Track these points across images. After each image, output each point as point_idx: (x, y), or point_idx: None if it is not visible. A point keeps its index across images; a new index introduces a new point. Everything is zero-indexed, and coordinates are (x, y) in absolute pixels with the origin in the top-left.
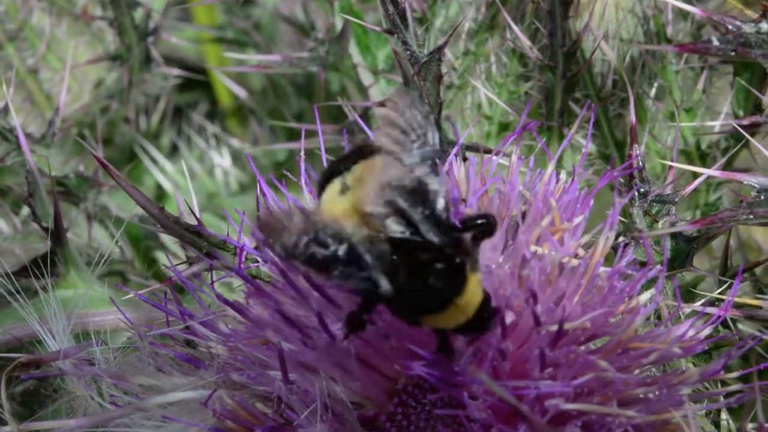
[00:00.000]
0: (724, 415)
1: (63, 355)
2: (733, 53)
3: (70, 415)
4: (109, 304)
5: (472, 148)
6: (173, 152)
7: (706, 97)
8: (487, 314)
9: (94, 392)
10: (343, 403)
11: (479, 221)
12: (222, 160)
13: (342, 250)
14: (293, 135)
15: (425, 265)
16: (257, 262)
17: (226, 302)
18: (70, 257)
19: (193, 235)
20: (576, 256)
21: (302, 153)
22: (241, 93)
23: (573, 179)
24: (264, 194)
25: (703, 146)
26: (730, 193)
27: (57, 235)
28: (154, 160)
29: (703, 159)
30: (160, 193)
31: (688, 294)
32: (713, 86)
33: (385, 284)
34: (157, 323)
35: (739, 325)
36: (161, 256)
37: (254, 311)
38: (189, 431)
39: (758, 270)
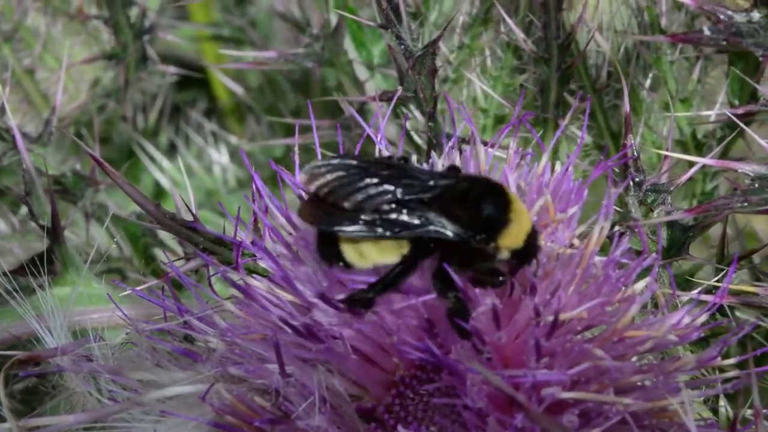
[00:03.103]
0: (722, 402)
1: (61, 352)
2: (724, 42)
3: (68, 411)
4: (107, 301)
5: (467, 140)
6: (171, 150)
7: (701, 87)
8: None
9: (93, 388)
10: (340, 395)
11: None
12: (220, 157)
13: None
14: (291, 131)
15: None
16: (254, 256)
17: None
18: (67, 255)
19: (189, 231)
20: (571, 246)
21: (296, 148)
22: (239, 90)
23: (567, 169)
24: (259, 191)
25: (699, 136)
26: (726, 183)
27: (54, 233)
28: (152, 158)
29: (699, 148)
30: (159, 191)
31: (685, 282)
32: (708, 76)
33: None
34: (155, 319)
35: (737, 313)
36: (159, 254)
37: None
38: (188, 426)
39: (756, 257)
